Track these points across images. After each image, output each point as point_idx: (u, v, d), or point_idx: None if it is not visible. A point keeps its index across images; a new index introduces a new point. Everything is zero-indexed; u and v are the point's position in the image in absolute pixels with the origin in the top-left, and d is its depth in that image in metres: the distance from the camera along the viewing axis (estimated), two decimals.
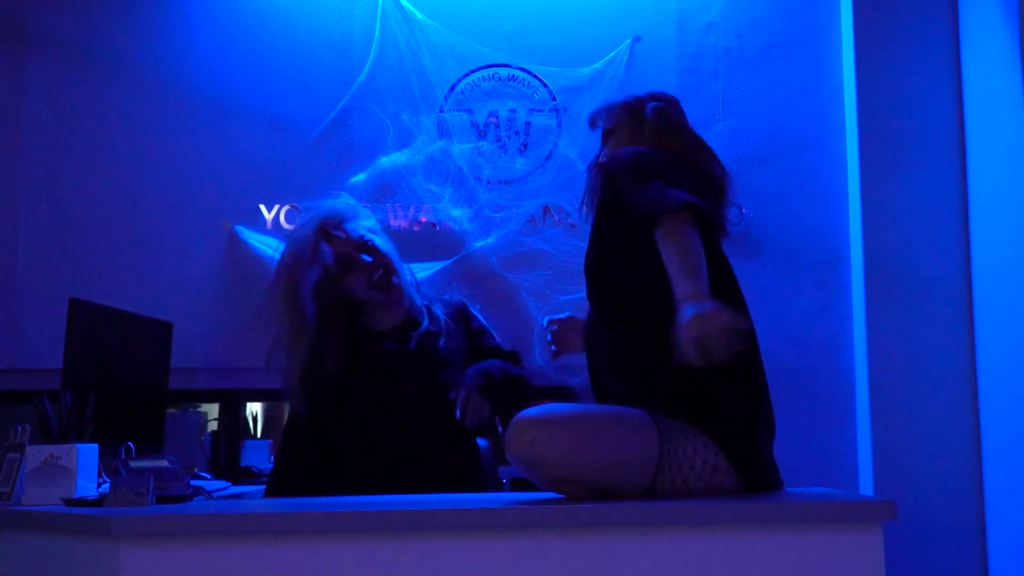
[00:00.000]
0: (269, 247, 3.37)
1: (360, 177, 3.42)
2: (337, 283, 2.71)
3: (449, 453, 2.65)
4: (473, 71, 3.48)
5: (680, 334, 1.72)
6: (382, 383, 2.68)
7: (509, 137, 3.44)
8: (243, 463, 3.59)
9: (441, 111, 3.46)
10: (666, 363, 1.79)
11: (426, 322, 2.77)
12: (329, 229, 2.75)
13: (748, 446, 1.94)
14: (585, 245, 2.11)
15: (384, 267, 2.76)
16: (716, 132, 3.43)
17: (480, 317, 2.98)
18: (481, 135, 3.45)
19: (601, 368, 2.11)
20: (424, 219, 3.41)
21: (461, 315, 2.90)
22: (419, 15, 3.48)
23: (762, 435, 2.00)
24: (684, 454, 1.89)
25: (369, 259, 2.74)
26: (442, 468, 2.61)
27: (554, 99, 3.46)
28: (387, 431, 2.63)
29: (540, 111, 3.46)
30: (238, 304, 3.38)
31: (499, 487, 2.97)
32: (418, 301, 2.83)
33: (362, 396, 2.66)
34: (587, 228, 2.11)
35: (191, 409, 3.73)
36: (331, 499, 2.17)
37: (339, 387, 2.66)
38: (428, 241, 3.41)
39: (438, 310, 2.85)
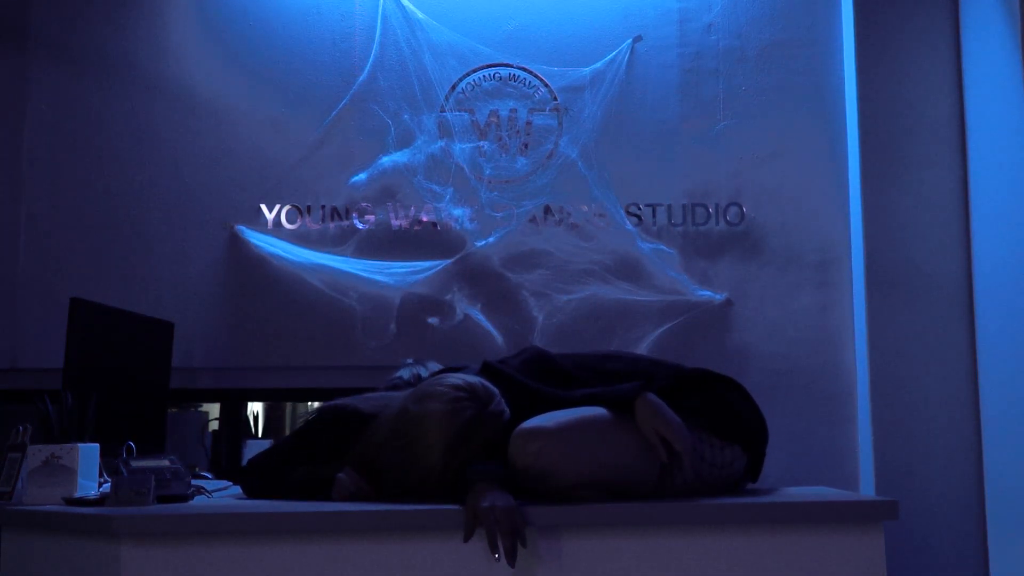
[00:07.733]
0: (270, 247, 3.37)
1: (361, 176, 3.42)
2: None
3: None
4: (474, 71, 3.48)
5: None
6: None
7: (510, 137, 3.44)
8: (244, 463, 3.59)
9: (442, 111, 3.46)
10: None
11: None
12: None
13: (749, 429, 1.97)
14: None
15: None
16: (716, 132, 3.43)
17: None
18: (482, 135, 3.45)
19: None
20: (425, 219, 3.41)
21: None
22: (420, 15, 3.48)
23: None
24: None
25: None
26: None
27: (555, 99, 3.46)
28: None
29: (541, 111, 3.46)
30: (239, 304, 3.38)
31: None
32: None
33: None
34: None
35: (192, 409, 3.73)
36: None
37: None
38: (429, 241, 3.41)
39: None
